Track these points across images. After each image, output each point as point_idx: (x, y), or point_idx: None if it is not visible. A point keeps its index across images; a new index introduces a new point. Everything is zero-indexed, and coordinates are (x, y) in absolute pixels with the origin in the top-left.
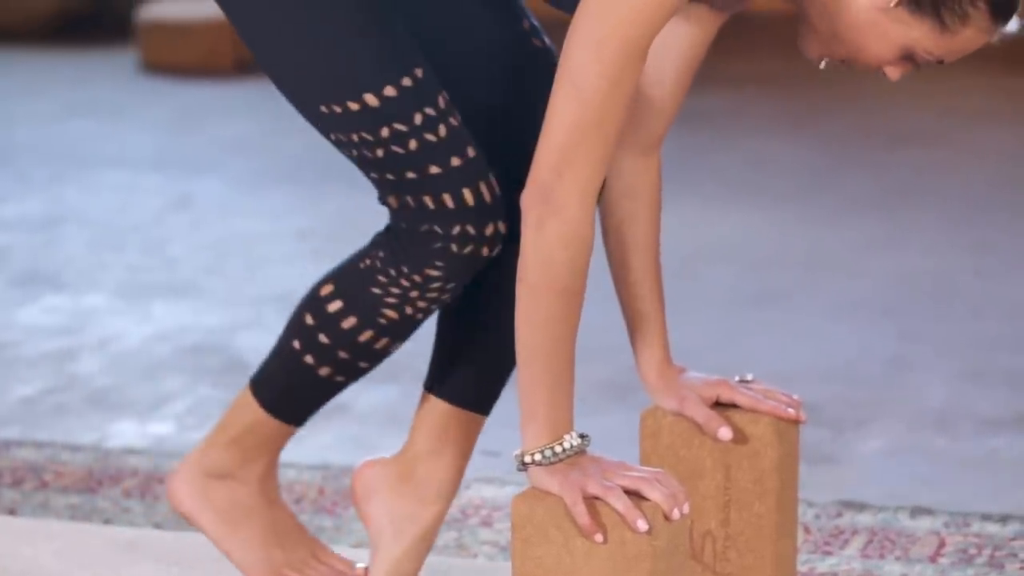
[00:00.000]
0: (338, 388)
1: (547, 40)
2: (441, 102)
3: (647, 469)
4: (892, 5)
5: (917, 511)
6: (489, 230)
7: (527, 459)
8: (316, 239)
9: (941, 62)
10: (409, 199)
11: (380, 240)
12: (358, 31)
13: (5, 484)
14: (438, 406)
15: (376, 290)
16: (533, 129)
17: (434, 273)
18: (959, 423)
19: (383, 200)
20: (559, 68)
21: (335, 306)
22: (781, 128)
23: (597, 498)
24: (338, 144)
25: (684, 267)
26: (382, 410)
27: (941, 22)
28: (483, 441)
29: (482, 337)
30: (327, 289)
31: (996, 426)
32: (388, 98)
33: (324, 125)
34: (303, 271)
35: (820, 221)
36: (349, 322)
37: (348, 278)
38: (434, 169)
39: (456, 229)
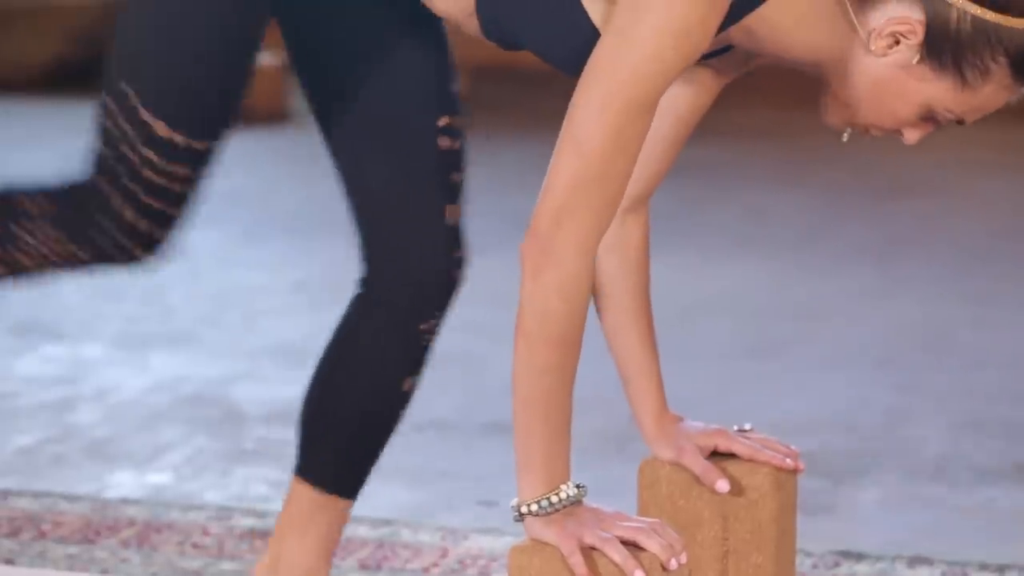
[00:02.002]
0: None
1: (460, 143)
2: (204, 174)
3: (644, 519)
4: (914, 62)
5: (915, 561)
6: (137, 254)
7: (524, 509)
8: (313, 290)
9: (961, 122)
10: (109, 190)
11: (55, 193)
12: (208, 72)
13: (3, 534)
14: (304, 492)
15: (21, 232)
16: (403, 217)
17: (79, 253)
18: (957, 473)
19: (91, 169)
20: (567, 117)
21: None
22: (779, 179)
23: (594, 549)
24: (103, 107)
25: (682, 318)
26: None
27: (962, 78)
28: (480, 491)
29: (344, 420)
30: None
31: (993, 476)
32: (172, 140)
33: (112, 90)
34: (300, 322)
35: (818, 272)
36: None
37: (7, 208)
38: (148, 199)
39: (122, 239)
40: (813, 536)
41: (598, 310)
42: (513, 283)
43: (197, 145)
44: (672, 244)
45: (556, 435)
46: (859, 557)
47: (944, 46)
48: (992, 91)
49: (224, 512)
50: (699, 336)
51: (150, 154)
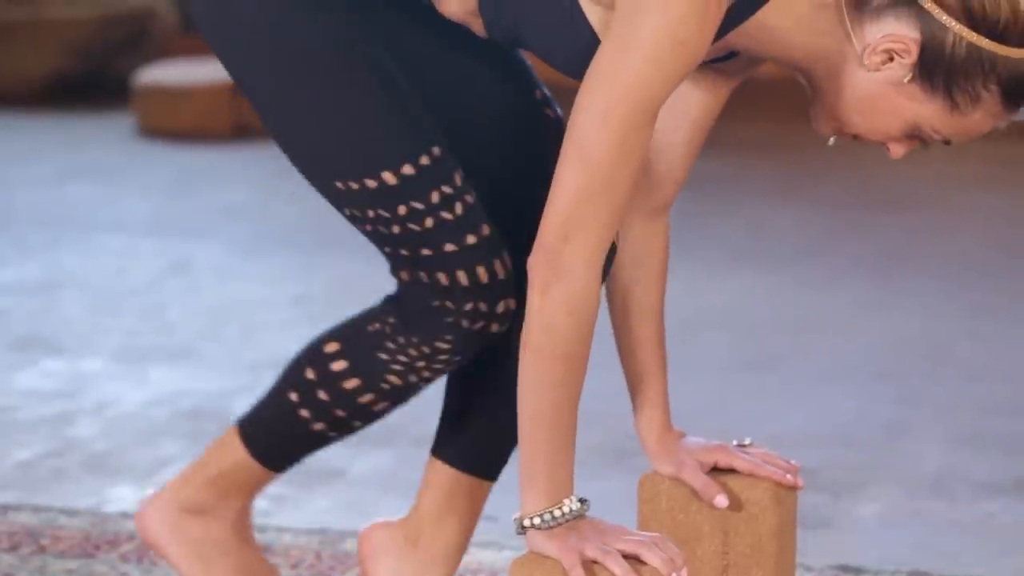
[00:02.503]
0: (328, 442)
1: (559, 110)
2: (457, 179)
3: (645, 534)
4: (905, 81)
5: (915, 575)
6: (501, 307)
7: (526, 523)
8: (313, 305)
9: (948, 142)
10: (423, 274)
11: (390, 307)
12: (376, 107)
13: (3, 548)
14: (445, 471)
15: (383, 355)
16: (543, 199)
17: (443, 346)
18: (956, 487)
19: (395, 273)
20: (567, 133)
21: (339, 365)
22: (778, 193)
23: (595, 562)
24: (352, 219)
25: (682, 331)
26: (378, 475)
27: (952, 101)
28: None
29: (491, 403)
30: (332, 347)
31: (993, 490)
32: (406, 176)
33: (339, 200)
34: (300, 337)
35: (817, 285)
36: (351, 383)
37: (355, 339)
38: (449, 247)
39: (468, 306)
40: (813, 551)
41: (612, 319)
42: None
43: (425, 160)
44: (671, 257)
45: (560, 449)
46: (858, 572)
47: (937, 68)
48: (980, 117)
49: None
50: (698, 349)
51: (406, 208)
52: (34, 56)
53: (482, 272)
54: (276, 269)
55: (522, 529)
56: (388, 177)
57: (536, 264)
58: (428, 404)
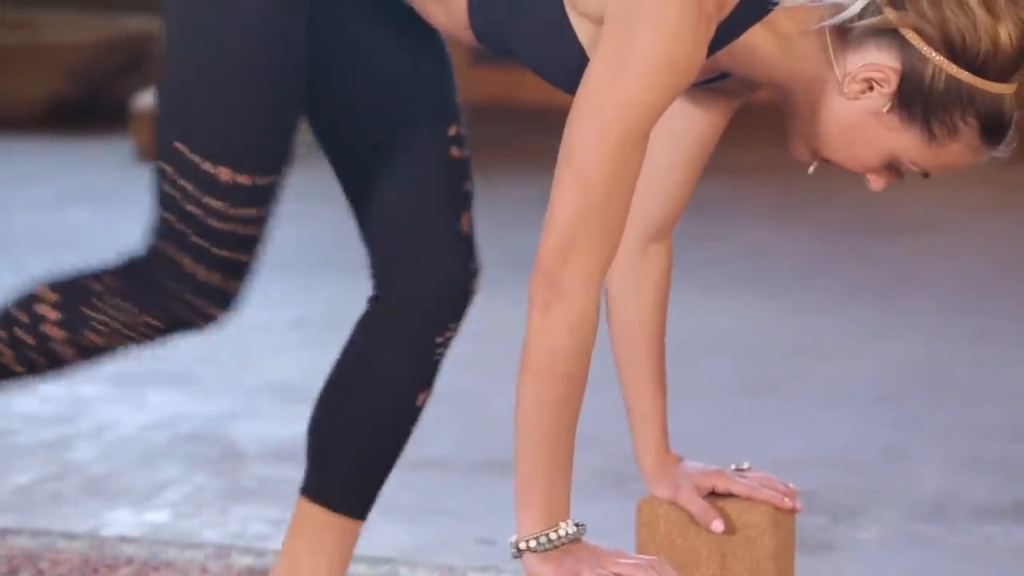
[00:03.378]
0: (16, 377)
1: (466, 151)
2: (269, 211)
3: (643, 557)
4: (884, 110)
5: None
6: (212, 311)
7: (522, 546)
8: (310, 328)
9: (926, 175)
10: (179, 253)
11: (122, 270)
12: (264, 111)
13: (2, 572)
14: (313, 512)
15: (92, 312)
16: (413, 223)
17: (152, 322)
18: (955, 511)
19: (155, 237)
20: (561, 152)
21: (49, 313)
22: (778, 217)
23: None
24: (161, 174)
25: (681, 355)
26: None
27: (930, 133)
28: (479, 529)
29: (354, 439)
30: (49, 296)
31: (992, 514)
32: (238, 183)
33: (168, 156)
34: (298, 360)
35: (816, 309)
36: (55, 332)
37: (72, 291)
38: (223, 252)
39: (192, 298)
40: (811, 574)
41: (612, 340)
42: (512, 320)
43: (262, 182)
44: (671, 280)
45: (557, 471)
46: None
47: (915, 99)
48: (959, 150)
49: (222, 550)
50: (698, 373)
51: (216, 203)
52: (33, 80)
53: (226, 283)
54: (273, 293)
55: (518, 552)
56: (224, 173)
57: (536, 284)
58: (427, 427)
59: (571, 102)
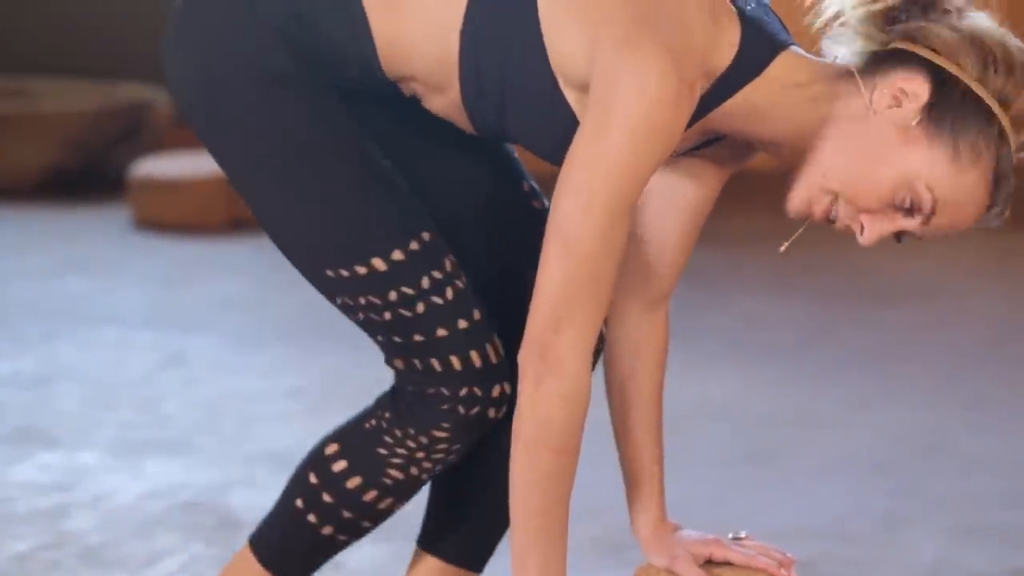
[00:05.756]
0: (340, 547)
1: (545, 202)
2: (448, 264)
3: None
4: (913, 123)
5: None
6: (496, 391)
7: None
8: (309, 398)
9: (919, 237)
10: (416, 361)
11: (385, 401)
12: (363, 193)
13: None
14: (432, 563)
15: (382, 450)
16: (529, 289)
17: (440, 435)
18: None
19: (389, 362)
20: (549, 223)
21: (340, 466)
22: (774, 285)
23: None
24: (344, 308)
25: (677, 423)
26: (375, 569)
27: (956, 150)
28: None
29: (479, 493)
30: (332, 448)
31: None
32: (396, 262)
33: (329, 289)
34: (296, 430)
35: (813, 378)
36: (354, 482)
37: (353, 438)
38: (441, 332)
39: (463, 391)
40: None
41: (611, 408)
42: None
43: (414, 246)
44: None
45: (552, 543)
46: None
47: (946, 113)
48: (973, 184)
49: None
50: (695, 441)
51: (397, 294)
52: (30, 148)
53: (475, 356)
54: (272, 361)
55: None
56: (378, 263)
57: (527, 358)
58: (423, 497)
59: (556, 170)
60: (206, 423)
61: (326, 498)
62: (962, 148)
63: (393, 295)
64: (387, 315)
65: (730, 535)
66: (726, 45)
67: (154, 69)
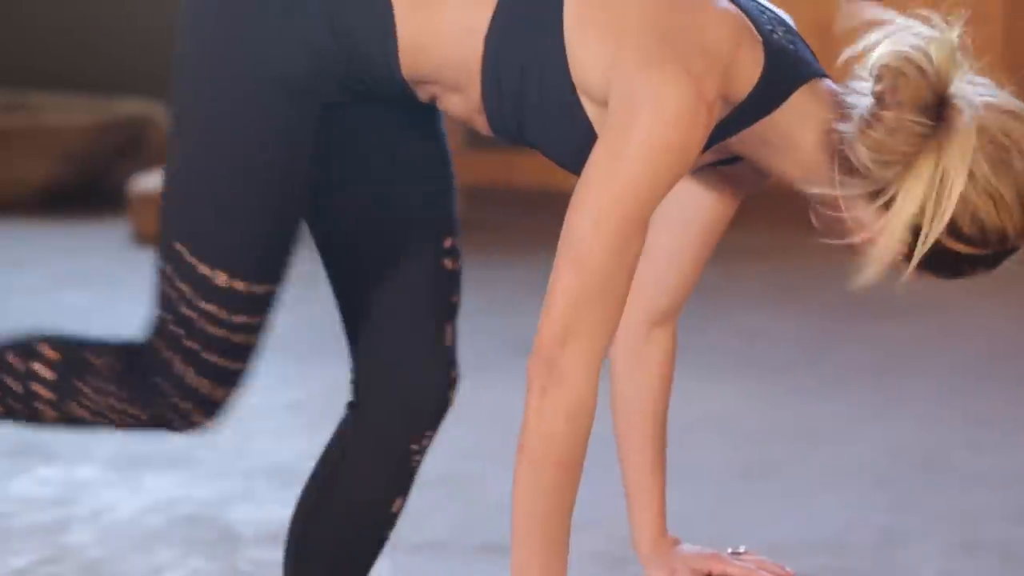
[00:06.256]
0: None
1: (460, 263)
2: (265, 323)
3: None
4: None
5: None
6: (197, 419)
7: None
8: (308, 412)
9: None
10: (170, 354)
11: (123, 353)
12: (260, 224)
13: None
14: None
15: (83, 387)
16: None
17: (135, 413)
18: None
19: (152, 335)
20: (562, 237)
21: (44, 371)
22: (773, 300)
23: None
24: (160, 274)
25: (676, 438)
26: None
27: (933, 268)
28: None
29: (331, 548)
30: (50, 353)
31: None
32: (233, 289)
33: (168, 254)
34: (295, 444)
35: (811, 393)
36: (44, 392)
37: (71, 359)
38: (213, 358)
39: (179, 401)
40: None
41: (615, 423)
42: (511, 404)
43: (258, 290)
44: None
45: (553, 557)
46: None
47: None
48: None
49: None
50: (694, 455)
51: (211, 308)
52: (30, 163)
53: (214, 390)
54: (270, 376)
55: None
56: (221, 278)
57: (534, 369)
58: (425, 511)
59: (567, 185)
60: (205, 437)
61: (10, 383)
62: (936, 263)
63: (209, 307)
64: (187, 311)
65: (729, 550)
66: (746, 73)
67: (154, 84)
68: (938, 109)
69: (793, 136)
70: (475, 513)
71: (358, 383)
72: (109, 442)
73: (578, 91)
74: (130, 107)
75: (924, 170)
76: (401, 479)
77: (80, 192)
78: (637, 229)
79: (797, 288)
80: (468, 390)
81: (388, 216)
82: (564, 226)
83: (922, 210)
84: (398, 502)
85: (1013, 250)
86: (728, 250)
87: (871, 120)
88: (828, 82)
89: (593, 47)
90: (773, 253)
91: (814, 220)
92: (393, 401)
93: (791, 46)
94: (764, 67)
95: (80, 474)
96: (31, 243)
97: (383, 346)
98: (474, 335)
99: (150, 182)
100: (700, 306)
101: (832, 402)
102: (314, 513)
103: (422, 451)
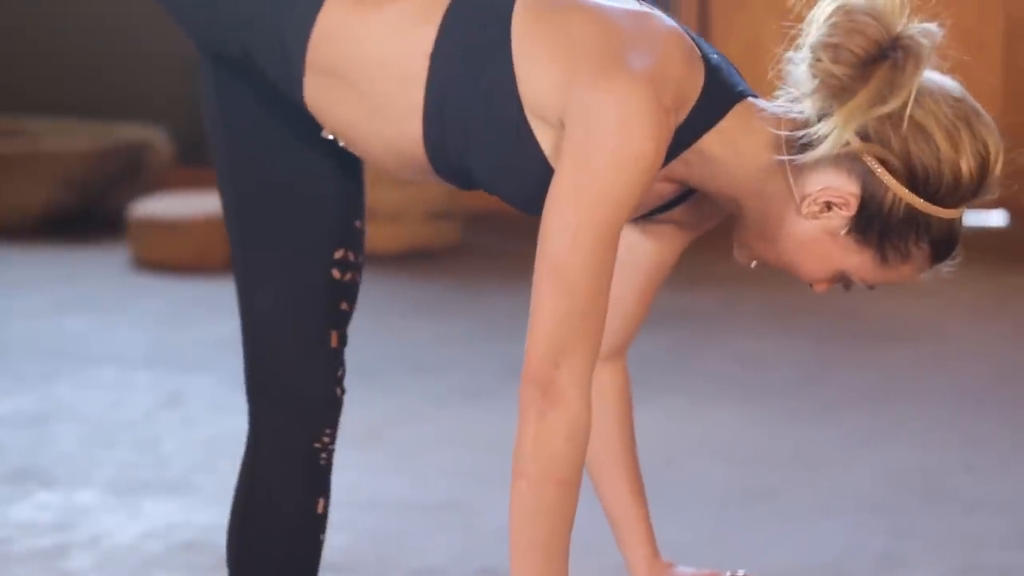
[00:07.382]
0: None
1: (353, 275)
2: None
3: None
4: (842, 232)
5: None
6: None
7: None
8: None
9: (872, 287)
10: None
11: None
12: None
13: None
14: None
15: None
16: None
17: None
18: None
19: None
20: (538, 259)
21: None
22: (769, 325)
23: None
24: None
25: (672, 464)
26: None
27: (883, 256)
28: None
29: (268, 559)
30: None
31: None
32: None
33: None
34: None
35: (809, 417)
36: None
37: None
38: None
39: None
40: None
41: (585, 460)
42: (508, 429)
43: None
44: (662, 390)
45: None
46: None
47: (873, 224)
48: (908, 270)
49: None
50: (690, 482)
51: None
52: (29, 188)
53: None
54: None
55: None
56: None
57: (528, 395)
58: (421, 537)
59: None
60: (205, 463)
61: None
62: (889, 253)
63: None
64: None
65: (728, 574)
66: (692, 88)
67: (154, 110)
68: (891, 44)
69: (738, 144)
70: (473, 538)
71: (252, 391)
72: (108, 467)
73: (527, 113)
74: (130, 133)
75: (875, 82)
76: (316, 479)
77: (80, 217)
78: (612, 239)
79: (795, 313)
80: (464, 415)
81: (287, 222)
82: (539, 247)
83: (873, 107)
84: (321, 503)
85: (961, 199)
86: (726, 276)
87: (819, 51)
88: (761, 100)
89: (545, 64)
90: (770, 279)
91: (737, 250)
92: (282, 405)
93: (726, 66)
94: (704, 82)
95: (79, 499)
96: (31, 268)
97: (272, 349)
98: (470, 360)
99: (149, 207)
100: (697, 331)
101: (831, 426)
102: (242, 528)
103: (326, 449)
